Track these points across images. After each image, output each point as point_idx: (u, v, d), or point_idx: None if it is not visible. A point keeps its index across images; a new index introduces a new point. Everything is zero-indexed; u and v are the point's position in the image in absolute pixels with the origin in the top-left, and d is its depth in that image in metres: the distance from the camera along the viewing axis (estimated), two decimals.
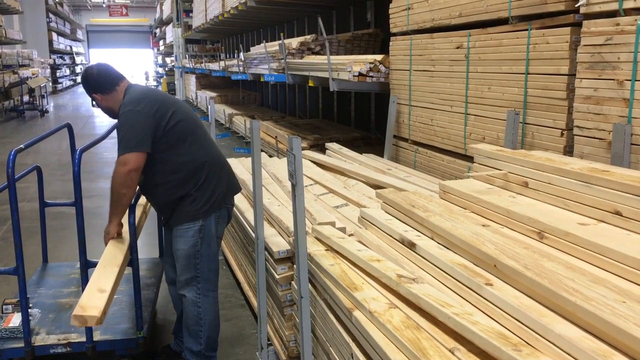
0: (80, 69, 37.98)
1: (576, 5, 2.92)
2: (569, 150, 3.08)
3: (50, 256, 3.98)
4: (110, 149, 9.44)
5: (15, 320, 2.88)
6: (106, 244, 2.80)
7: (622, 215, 2.03)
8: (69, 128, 3.77)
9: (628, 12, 2.67)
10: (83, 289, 2.57)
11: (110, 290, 2.43)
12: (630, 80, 2.65)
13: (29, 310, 2.87)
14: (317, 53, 6.97)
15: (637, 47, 2.61)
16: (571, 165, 2.42)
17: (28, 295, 2.90)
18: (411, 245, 2.30)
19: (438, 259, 2.10)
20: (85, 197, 2.86)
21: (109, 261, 2.67)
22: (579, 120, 2.95)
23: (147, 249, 4.41)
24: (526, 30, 3.33)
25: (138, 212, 2.97)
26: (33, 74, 19.12)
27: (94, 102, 2.91)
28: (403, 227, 2.50)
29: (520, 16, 3.39)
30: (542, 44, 3.22)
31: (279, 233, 3.12)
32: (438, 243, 2.26)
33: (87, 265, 2.77)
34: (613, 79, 2.73)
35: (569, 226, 2.05)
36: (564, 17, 3.08)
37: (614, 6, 2.72)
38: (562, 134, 3.12)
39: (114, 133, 3.82)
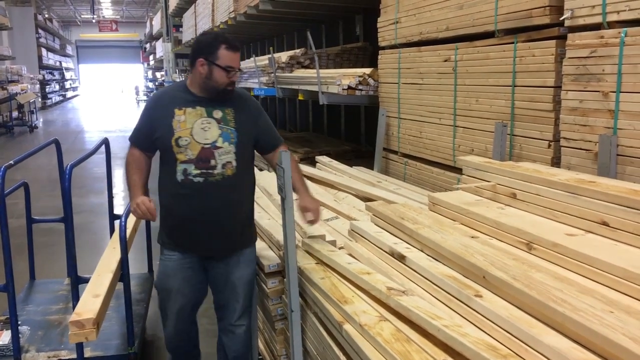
0: (70, 84, 37.93)
1: (561, 19, 2.96)
2: (556, 162, 3.10)
3: (39, 273, 3.96)
4: (99, 163, 9.40)
5: (5, 337, 2.85)
6: (138, 216, 2.67)
7: (609, 226, 2.05)
8: (57, 144, 3.76)
9: (612, 25, 2.71)
10: (74, 305, 2.57)
11: (105, 294, 2.45)
12: (615, 91, 2.68)
13: (18, 327, 2.85)
14: (307, 67, 7.00)
15: (621, 59, 2.64)
16: (558, 176, 2.44)
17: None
18: (401, 258, 2.31)
19: (427, 271, 2.10)
20: (74, 212, 2.85)
21: (102, 271, 2.69)
22: (566, 132, 2.98)
23: (137, 264, 4.39)
24: (512, 43, 3.37)
25: (129, 227, 2.97)
26: (22, 90, 19.06)
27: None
28: (393, 240, 2.50)
29: (506, 29, 3.43)
30: (528, 56, 3.25)
31: (269, 247, 3.11)
32: (427, 255, 2.27)
33: (77, 281, 2.76)
34: (598, 91, 2.76)
35: (557, 237, 2.06)
36: (549, 30, 3.12)
37: (598, 19, 2.76)
38: (549, 146, 3.15)
39: (103, 148, 3.82)
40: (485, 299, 1.80)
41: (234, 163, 2.57)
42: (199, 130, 2.54)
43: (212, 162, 2.54)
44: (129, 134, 2.72)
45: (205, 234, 2.61)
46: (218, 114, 2.59)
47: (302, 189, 2.73)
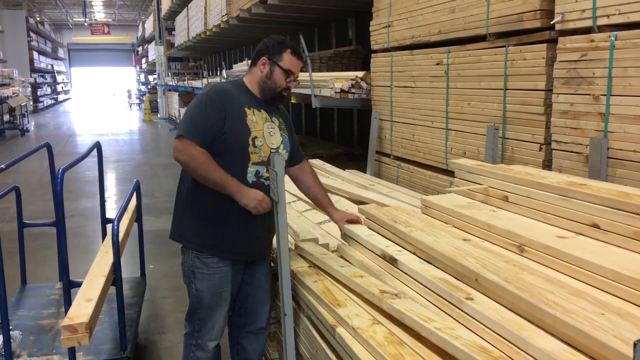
0: (62, 87, 37.79)
1: (552, 22, 2.99)
2: (547, 164, 3.12)
3: (31, 277, 3.93)
4: (91, 167, 9.37)
5: None
6: (263, 211, 2.48)
7: (599, 228, 2.06)
8: (49, 148, 3.75)
9: (602, 28, 2.73)
10: (66, 310, 2.55)
11: (97, 298, 2.43)
12: (605, 95, 2.70)
13: (10, 332, 2.83)
14: (300, 70, 7.01)
15: (611, 62, 2.66)
16: (550, 179, 2.45)
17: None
18: (392, 261, 2.31)
19: (419, 274, 2.11)
20: (66, 216, 2.83)
21: (95, 275, 2.67)
22: (557, 135, 3.00)
23: (129, 268, 4.37)
24: (504, 47, 3.39)
25: (121, 231, 2.96)
26: (13, 93, 18.95)
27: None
28: (385, 243, 2.51)
29: (498, 33, 3.45)
30: (519, 60, 3.27)
31: None
32: (419, 257, 2.27)
33: (69, 286, 2.74)
34: (589, 94, 2.78)
35: (548, 239, 2.07)
36: (540, 34, 3.14)
37: (588, 23, 2.78)
38: (540, 149, 3.17)
39: (95, 152, 3.80)
40: (477, 302, 1.80)
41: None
42: (267, 134, 2.53)
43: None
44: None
45: (259, 237, 2.56)
46: (276, 120, 2.61)
47: (332, 204, 2.85)
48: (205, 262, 2.52)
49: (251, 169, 2.48)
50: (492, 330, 1.66)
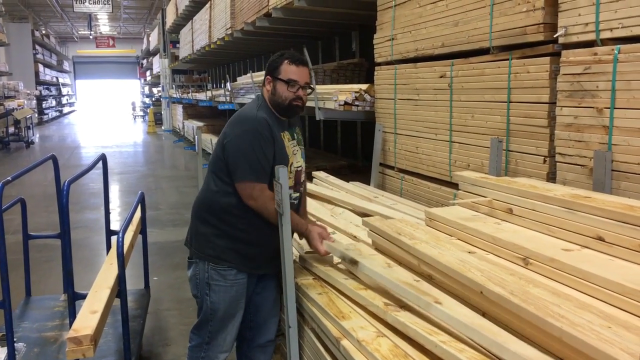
0: (67, 100, 37.99)
1: (555, 36, 3.00)
2: (551, 177, 3.12)
3: (36, 289, 3.94)
4: (96, 179, 9.40)
5: (1, 354, 2.83)
6: (323, 252, 2.61)
7: (604, 241, 2.06)
8: (54, 160, 3.76)
9: (605, 42, 2.74)
10: (70, 322, 2.55)
11: (102, 310, 2.44)
12: (609, 108, 2.71)
13: (14, 344, 2.83)
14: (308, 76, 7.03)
15: (614, 75, 2.67)
16: (554, 191, 2.45)
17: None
18: (353, 263, 2.30)
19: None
20: (71, 228, 2.84)
21: (99, 287, 2.67)
22: (561, 148, 3.00)
23: (133, 280, 4.37)
24: (507, 60, 3.40)
25: (126, 243, 2.96)
26: (19, 106, 19.08)
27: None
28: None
29: (501, 46, 3.47)
30: (522, 73, 3.28)
31: None
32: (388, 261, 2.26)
33: (74, 297, 2.74)
34: (592, 107, 2.79)
35: (553, 252, 2.07)
36: (544, 47, 3.15)
37: (591, 36, 2.79)
38: (544, 161, 3.17)
39: (100, 164, 3.82)
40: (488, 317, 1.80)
41: None
42: (292, 154, 2.59)
43: (300, 183, 2.64)
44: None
45: (277, 251, 2.54)
46: (295, 135, 2.67)
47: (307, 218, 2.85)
48: (222, 275, 2.52)
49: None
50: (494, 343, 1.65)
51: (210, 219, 2.55)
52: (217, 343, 2.58)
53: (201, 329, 2.61)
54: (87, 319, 2.38)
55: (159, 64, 23.41)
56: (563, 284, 1.94)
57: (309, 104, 5.68)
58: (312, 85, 2.59)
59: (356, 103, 5.19)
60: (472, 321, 1.71)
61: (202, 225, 2.59)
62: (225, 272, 2.52)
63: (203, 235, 2.57)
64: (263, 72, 2.77)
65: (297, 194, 2.64)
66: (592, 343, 1.43)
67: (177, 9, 16.56)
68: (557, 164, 3.04)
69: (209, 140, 12.09)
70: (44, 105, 29.15)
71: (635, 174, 2.62)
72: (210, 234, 2.55)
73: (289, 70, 2.54)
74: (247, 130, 2.46)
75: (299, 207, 2.70)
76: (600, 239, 2.07)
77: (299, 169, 2.61)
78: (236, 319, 2.59)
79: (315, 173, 5.34)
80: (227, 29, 9.52)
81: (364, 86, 5.27)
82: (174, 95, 19.73)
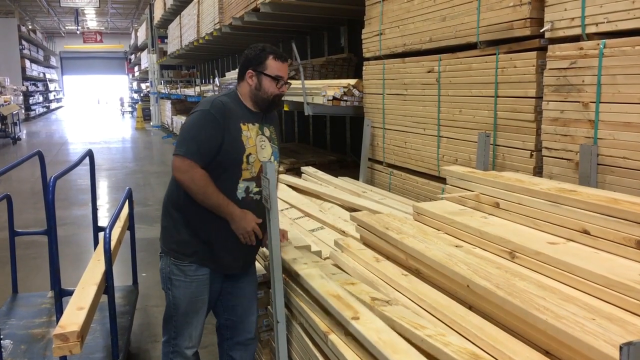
0: (54, 95, 37.67)
1: (541, 31, 3.01)
2: (538, 171, 3.14)
3: (22, 286, 3.91)
4: (83, 175, 9.33)
5: None
6: (251, 243, 2.54)
7: (590, 234, 2.08)
8: (40, 156, 3.74)
9: (591, 36, 2.76)
10: (57, 318, 2.54)
11: (89, 307, 2.42)
12: (594, 102, 2.73)
13: (1, 341, 2.81)
14: (292, 78, 7.00)
15: (600, 70, 2.69)
16: (540, 185, 2.47)
17: None
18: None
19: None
20: (58, 225, 2.82)
21: (86, 284, 2.66)
22: (547, 142, 3.02)
23: (121, 276, 4.36)
24: (494, 54, 3.42)
25: (114, 239, 2.95)
26: (5, 102, 18.88)
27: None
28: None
29: (488, 41, 3.48)
30: (509, 67, 3.30)
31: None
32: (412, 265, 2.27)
33: (61, 294, 2.73)
34: (578, 101, 2.81)
35: (539, 245, 2.09)
36: (530, 42, 3.17)
37: (577, 31, 2.81)
38: (531, 155, 3.19)
39: (87, 160, 3.80)
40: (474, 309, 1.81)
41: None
42: (259, 147, 2.55)
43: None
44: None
45: (245, 250, 2.57)
46: (267, 131, 2.62)
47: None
48: (182, 270, 2.52)
49: (241, 185, 2.50)
50: (484, 336, 1.67)
51: (172, 212, 2.56)
52: (184, 338, 2.57)
53: (167, 323, 2.61)
54: (74, 315, 2.36)
55: (147, 60, 23.26)
56: (548, 277, 1.96)
57: (297, 99, 5.69)
58: (288, 81, 2.61)
59: (345, 98, 5.19)
60: (379, 337, 1.78)
61: (165, 218, 2.60)
62: (185, 267, 2.51)
63: (165, 228, 2.59)
64: None
65: (259, 189, 2.53)
66: (576, 335, 1.45)
67: (165, 4, 16.46)
68: (544, 158, 3.06)
69: None
70: (30, 102, 28.88)
71: (620, 167, 2.64)
72: (172, 227, 2.55)
73: (275, 66, 2.54)
74: (198, 110, 2.48)
75: (260, 204, 2.53)
76: (586, 232, 2.09)
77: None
78: (199, 315, 2.58)
79: (304, 168, 5.34)
80: (216, 24, 9.48)
81: (353, 81, 5.27)
82: (163, 91, 19.64)
